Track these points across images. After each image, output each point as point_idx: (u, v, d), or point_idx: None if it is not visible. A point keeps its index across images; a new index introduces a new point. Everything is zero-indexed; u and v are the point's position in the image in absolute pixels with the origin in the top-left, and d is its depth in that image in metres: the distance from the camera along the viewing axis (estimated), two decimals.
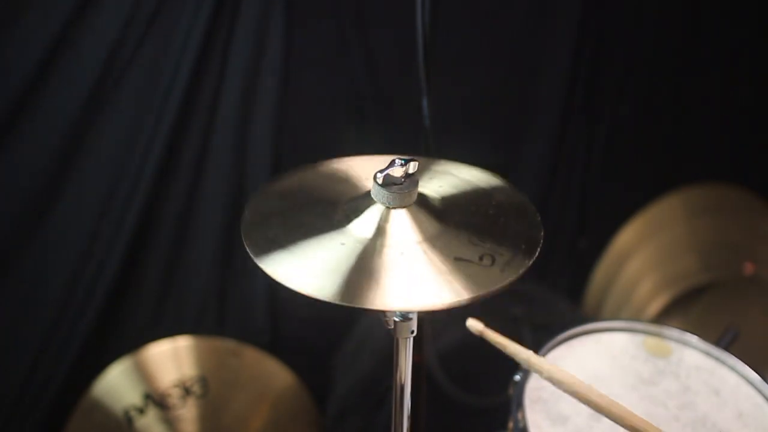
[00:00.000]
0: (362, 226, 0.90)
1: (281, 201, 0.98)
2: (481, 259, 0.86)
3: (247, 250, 0.87)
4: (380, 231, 0.89)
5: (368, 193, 0.92)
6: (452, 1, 1.94)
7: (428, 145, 1.49)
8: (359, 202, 0.93)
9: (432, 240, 0.88)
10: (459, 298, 0.81)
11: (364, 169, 1.02)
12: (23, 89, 1.68)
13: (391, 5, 1.92)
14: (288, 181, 1.03)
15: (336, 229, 0.90)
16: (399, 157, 0.90)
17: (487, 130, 2.23)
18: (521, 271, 0.85)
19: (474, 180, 1.02)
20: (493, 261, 0.86)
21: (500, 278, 0.84)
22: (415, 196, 0.91)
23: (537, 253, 0.88)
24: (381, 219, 0.90)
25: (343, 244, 0.87)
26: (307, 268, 0.84)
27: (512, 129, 2.29)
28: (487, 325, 1.15)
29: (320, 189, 1.00)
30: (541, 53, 2.21)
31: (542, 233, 0.92)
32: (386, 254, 0.86)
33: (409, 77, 1.47)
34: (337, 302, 0.80)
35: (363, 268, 0.84)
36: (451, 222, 0.92)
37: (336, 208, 0.93)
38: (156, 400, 1.84)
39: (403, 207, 0.90)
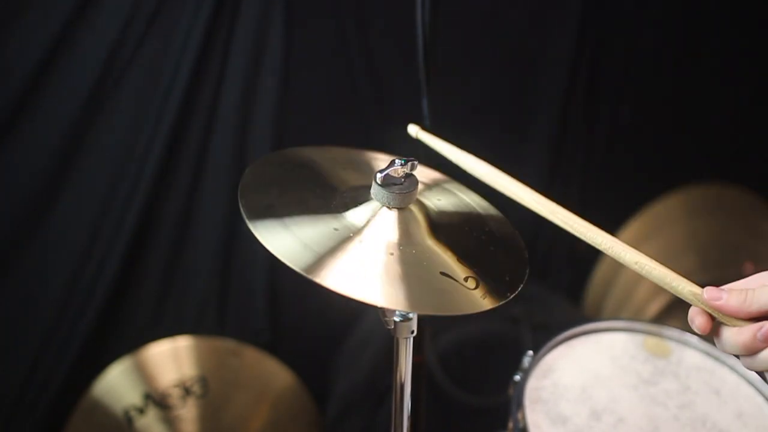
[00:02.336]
0: (357, 218, 0.90)
1: (283, 172, 0.98)
2: (465, 280, 0.86)
3: (242, 211, 0.87)
4: (373, 227, 0.89)
5: (369, 188, 0.92)
6: (452, 1, 1.93)
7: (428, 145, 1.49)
8: (359, 194, 0.93)
9: (422, 248, 0.88)
10: (434, 312, 0.82)
11: (372, 163, 1.02)
12: (23, 89, 1.68)
13: (391, 5, 1.93)
14: (292, 155, 1.03)
15: (332, 214, 0.90)
16: (398, 157, 0.90)
17: (487, 130, 2.23)
18: (501, 302, 0.86)
19: (471, 203, 1.02)
20: (477, 285, 0.86)
21: (480, 304, 0.84)
22: (414, 198, 0.91)
23: (519, 289, 0.89)
24: (377, 216, 0.90)
25: (336, 229, 0.88)
26: (291, 239, 0.85)
27: (512, 129, 2.29)
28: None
29: (323, 171, 1.00)
30: (541, 53, 2.21)
31: (528, 271, 0.92)
32: (373, 250, 0.86)
33: (409, 77, 1.47)
34: (303, 274, 0.81)
35: (346, 254, 0.85)
36: (443, 236, 0.92)
37: (335, 194, 0.93)
38: (156, 400, 1.84)
39: (401, 208, 0.90)
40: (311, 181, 0.97)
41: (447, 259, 0.89)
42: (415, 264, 0.86)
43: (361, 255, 0.85)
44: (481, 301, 0.85)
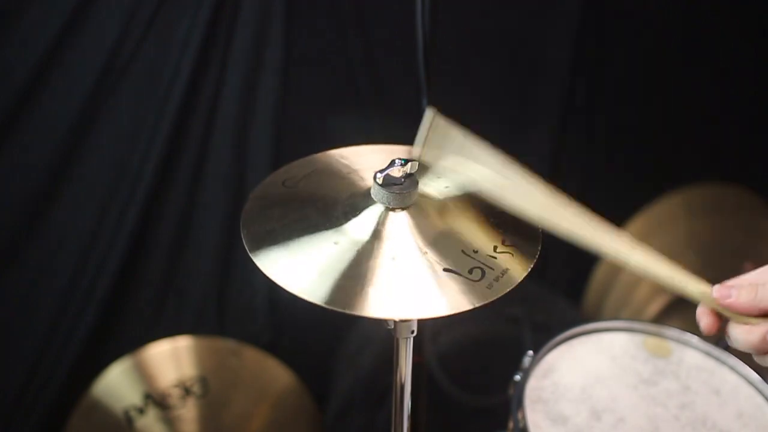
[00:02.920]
0: (359, 226, 0.88)
1: (285, 191, 0.97)
2: (470, 272, 0.85)
3: (244, 243, 0.86)
4: (375, 233, 0.88)
5: (368, 191, 0.91)
6: (452, 0, 1.93)
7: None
8: (359, 200, 0.92)
9: (424, 247, 0.87)
10: (438, 312, 0.81)
11: (374, 160, 1.00)
12: (23, 89, 1.68)
13: (392, 4, 1.92)
14: (296, 169, 1.01)
15: (333, 228, 0.89)
16: (399, 157, 0.90)
17: (486, 129, 2.23)
18: (508, 289, 0.84)
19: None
20: (482, 275, 0.85)
21: (486, 294, 0.83)
22: (415, 197, 0.90)
23: (528, 272, 0.87)
24: (378, 220, 0.89)
25: (336, 243, 0.86)
26: (300, 267, 0.83)
27: (512, 129, 2.28)
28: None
29: (326, 180, 0.98)
30: (542, 52, 2.21)
31: (540, 248, 0.90)
32: (377, 257, 0.85)
33: (409, 76, 1.47)
34: (324, 305, 0.79)
35: (353, 271, 0.83)
36: (447, 229, 0.90)
37: (336, 203, 0.92)
38: (156, 400, 1.84)
39: (403, 208, 0.90)
40: (313, 194, 0.95)
41: (450, 254, 0.87)
42: (416, 268, 0.85)
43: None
44: (487, 291, 0.83)
